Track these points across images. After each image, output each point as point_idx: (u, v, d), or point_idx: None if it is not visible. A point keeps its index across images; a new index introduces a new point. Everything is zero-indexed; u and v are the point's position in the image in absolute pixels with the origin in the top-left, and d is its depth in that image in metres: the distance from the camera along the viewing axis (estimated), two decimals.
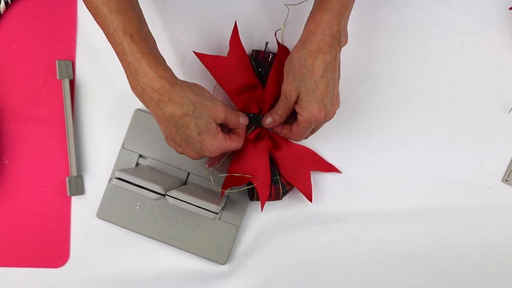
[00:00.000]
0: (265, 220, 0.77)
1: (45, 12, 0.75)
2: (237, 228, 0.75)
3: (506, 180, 0.77)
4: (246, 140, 0.71)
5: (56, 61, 0.74)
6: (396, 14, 0.77)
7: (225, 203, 0.74)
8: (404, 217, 0.77)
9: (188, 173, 0.75)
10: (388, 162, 0.77)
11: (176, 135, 0.62)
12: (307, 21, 0.65)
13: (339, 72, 0.66)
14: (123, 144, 0.75)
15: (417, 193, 0.77)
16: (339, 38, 0.63)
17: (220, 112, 0.63)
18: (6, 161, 0.75)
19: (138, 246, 0.76)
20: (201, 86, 0.63)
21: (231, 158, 0.72)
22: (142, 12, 0.62)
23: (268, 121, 0.70)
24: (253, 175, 0.71)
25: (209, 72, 0.72)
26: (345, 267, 0.77)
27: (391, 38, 0.77)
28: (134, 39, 0.59)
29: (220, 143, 0.64)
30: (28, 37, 0.75)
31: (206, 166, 0.73)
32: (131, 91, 0.61)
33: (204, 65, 0.71)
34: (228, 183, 0.71)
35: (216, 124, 0.63)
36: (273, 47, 0.75)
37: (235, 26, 0.71)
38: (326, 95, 0.64)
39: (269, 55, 0.74)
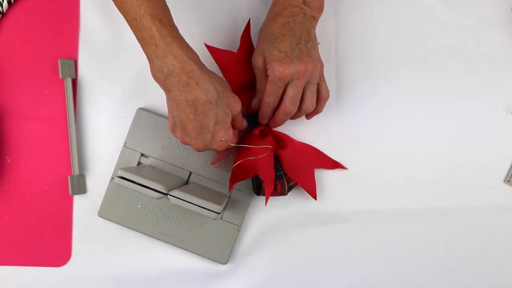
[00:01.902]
0: (266, 220, 0.77)
1: (47, 11, 0.75)
2: (238, 228, 0.75)
3: (508, 181, 0.76)
4: (251, 136, 0.72)
5: (59, 60, 0.74)
6: (398, 14, 0.77)
7: (227, 203, 0.74)
8: (406, 217, 0.77)
9: (190, 173, 0.75)
10: (390, 161, 0.77)
11: (192, 122, 0.62)
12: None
13: (309, 35, 0.65)
14: (125, 143, 0.75)
15: (418, 193, 0.77)
16: (302, 8, 0.64)
17: (237, 105, 0.64)
18: (8, 160, 0.76)
19: (140, 245, 0.76)
20: (222, 78, 0.64)
21: (235, 156, 0.72)
22: None
23: (253, 102, 0.71)
24: (258, 169, 0.71)
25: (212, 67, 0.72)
26: (346, 266, 0.77)
27: (393, 38, 0.77)
28: (163, 24, 0.59)
29: (230, 138, 0.64)
30: (31, 36, 0.75)
31: (210, 163, 0.73)
32: (152, 75, 0.61)
33: (214, 58, 0.71)
34: (235, 178, 0.71)
35: (230, 117, 0.64)
36: None
37: (248, 23, 0.71)
38: (289, 49, 0.63)
39: None
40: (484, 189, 0.77)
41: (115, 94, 0.76)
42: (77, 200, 0.76)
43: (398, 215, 0.77)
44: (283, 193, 0.73)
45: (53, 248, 0.76)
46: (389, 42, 0.77)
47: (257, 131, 0.72)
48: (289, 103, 0.67)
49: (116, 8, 0.76)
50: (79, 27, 0.76)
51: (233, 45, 0.75)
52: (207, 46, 0.71)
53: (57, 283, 0.76)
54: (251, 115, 0.73)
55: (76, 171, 0.75)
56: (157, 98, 0.76)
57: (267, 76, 0.66)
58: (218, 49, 0.72)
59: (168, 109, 0.64)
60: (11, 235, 0.76)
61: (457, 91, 0.77)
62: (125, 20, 0.76)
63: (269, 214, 0.77)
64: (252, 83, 0.72)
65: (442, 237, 0.77)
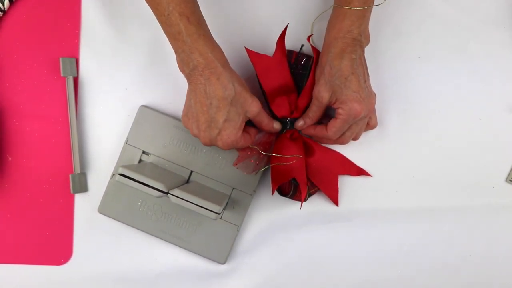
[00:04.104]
0: (267, 219, 0.77)
1: (49, 9, 0.75)
2: (238, 228, 0.75)
3: (510, 180, 0.76)
4: (283, 138, 0.72)
5: (60, 58, 0.74)
6: (401, 13, 0.76)
7: (227, 203, 0.74)
8: (408, 216, 0.77)
9: (191, 171, 0.75)
10: (392, 161, 0.77)
11: (204, 114, 0.64)
12: (327, 28, 0.69)
13: (366, 69, 0.69)
14: (127, 140, 0.75)
15: (420, 192, 0.77)
16: (360, 40, 0.67)
17: (255, 107, 0.66)
18: (10, 158, 0.76)
19: (141, 244, 0.76)
20: (242, 79, 0.66)
21: (256, 160, 0.73)
22: None
23: (300, 123, 0.72)
24: (292, 173, 0.71)
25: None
26: (347, 266, 0.77)
27: (396, 37, 0.76)
28: (190, 21, 0.62)
29: (236, 139, 0.66)
30: (32, 34, 0.75)
31: (233, 164, 0.73)
32: (178, 67, 0.65)
33: (252, 62, 0.72)
34: (276, 180, 0.71)
35: (244, 119, 0.66)
36: (308, 50, 0.75)
37: (285, 29, 0.72)
38: (360, 89, 0.66)
39: (303, 58, 0.74)
40: (486, 189, 0.77)
41: (117, 93, 0.76)
42: (79, 198, 0.76)
43: (400, 214, 0.77)
44: (304, 199, 0.73)
45: (55, 246, 0.76)
46: (391, 41, 0.76)
47: (288, 134, 0.72)
48: (349, 137, 0.71)
49: (117, 7, 0.76)
50: (81, 25, 0.76)
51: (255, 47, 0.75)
52: (246, 49, 0.71)
53: (58, 282, 0.76)
54: (280, 119, 0.73)
55: (77, 169, 0.75)
56: (158, 97, 0.76)
57: (324, 107, 0.69)
58: (257, 53, 0.72)
59: (186, 98, 0.67)
60: (12, 234, 0.76)
61: (459, 90, 0.76)
62: (127, 19, 0.76)
63: (270, 213, 0.77)
64: (284, 86, 0.72)
65: (444, 236, 0.77)
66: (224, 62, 0.64)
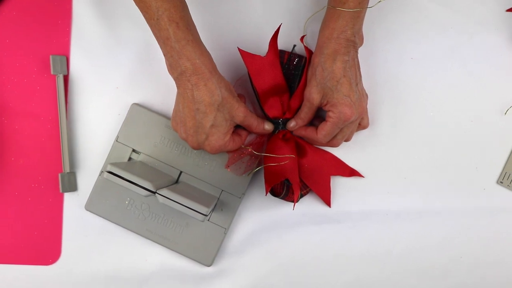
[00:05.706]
0: (258, 220, 0.76)
1: (39, 7, 0.75)
2: (225, 231, 0.75)
3: (501, 182, 0.76)
4: (276, 139, 0.72)
5: (50, 56, 0.74)
6: (394, 14, 0.76)
7: (215, 205, 0.74)
8: (399, 217, 0.77)
9: (181, 172, 0.74)
10: (384, 162, 0.76)
11: (191, 119, 0.65)
12: (321, 28, 0.68)
13: (359, 71, 0.68)
14: (117, 137, 0.75)
15: (412, 194, 0.76)
16: (354, 41, 0.66)
17: (241, 112, 0.66)
18: None
19: (131, 244, 0.76)
20: (230, 84, 0.67)
21: (248, 161, 0.73)
22: None
23: (291, 124, 0.72)
24: (285, 173, 0.71)
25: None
26: (339, 266, 0.77)
27: (388, 39, 0.76)
28: (179, 27, 0.62)
29: (223, 145, 0.67)
30: (22, 32, 0.75)
31: (224, 166, 0.73)
32: (167, 70, 0.65)
33: (244, 62, 0.72)
34: (269, 181, 0.71)
35: (231, 124, 0.67)
36: (300, 50, 0.75)
37: (278, 29, 0.71)
38: (352, 92, 0.66)
39: (295, 58, 0.73)
40: (477, 190, 0.76)
41: (107, 91, 0.76)
42: (68, 197, 0.76)
43: (391, 215, 0.77)
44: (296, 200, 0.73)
45: (43, 246, 0.76)
46: (383, 42, 0.76)
47: (280, 135, 0.72)
48: (341, 140, 0.71)
49: (109, 5, 0.76)
50: (72, 23, 0.76)
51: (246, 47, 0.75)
52: (239, 49, 0.71)
53: (46, 282, 0.76)
54: (272, 119, 0.73)
55: (66, 168, 0.74)
56: (149, 96, 0.76)
57: (315, 109, 0.69)
58: (249, 53, 0.72)
59: (175, 102, 0.67)
60: (0, 233, 0.75)
61: (451, 92, 0.76)
62: (119, 17, 0.76)
63: (262, 215, 0.77)
64: (277, 86, 0.72)
65: (435, 238, 0.77)
66: (212, 68, 0.64)
